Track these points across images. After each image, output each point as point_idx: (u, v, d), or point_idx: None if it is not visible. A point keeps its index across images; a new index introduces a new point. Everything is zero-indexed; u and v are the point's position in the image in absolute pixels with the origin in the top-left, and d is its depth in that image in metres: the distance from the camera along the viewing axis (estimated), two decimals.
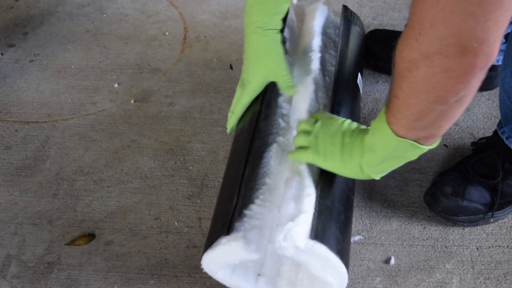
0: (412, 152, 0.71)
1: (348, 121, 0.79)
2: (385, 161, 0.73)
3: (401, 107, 0.65)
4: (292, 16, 1.08)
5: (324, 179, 0.80)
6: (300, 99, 0.89)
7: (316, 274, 0.76)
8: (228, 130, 0.94)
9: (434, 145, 0.70)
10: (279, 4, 0.84)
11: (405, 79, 0.61)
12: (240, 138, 0.89)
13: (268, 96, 0.90)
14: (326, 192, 0.78)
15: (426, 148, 0.70)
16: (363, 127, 0.77)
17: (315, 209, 0.75)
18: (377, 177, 0.77)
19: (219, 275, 0.82)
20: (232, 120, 0.92)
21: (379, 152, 0.72)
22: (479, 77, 0.58)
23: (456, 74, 0.56)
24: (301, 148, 0.80)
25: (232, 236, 0.73)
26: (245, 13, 0.85)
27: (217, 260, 0.77)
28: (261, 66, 0.86)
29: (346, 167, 0.76)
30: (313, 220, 0.74)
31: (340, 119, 0.79)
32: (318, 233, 0.73)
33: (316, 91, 0.91)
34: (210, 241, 0.77)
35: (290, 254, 0.74)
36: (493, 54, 0.55)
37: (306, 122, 0.81)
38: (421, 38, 0.55)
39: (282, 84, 0.88)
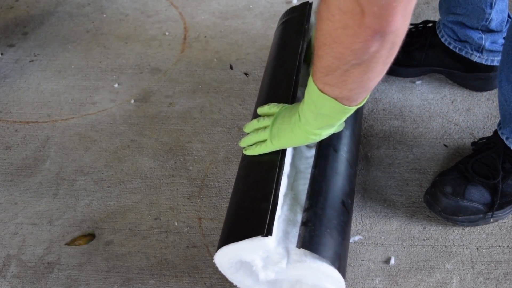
0: (336, 110, 0.70)
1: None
2: (318, 118, 0.73)
3: (315, 58, 0.66)
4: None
5: (314, 188, 0.80)
6: None
7: (312, 282, 0.76)
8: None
9: (355, 107, 0.70)
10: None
11: (317, 32, 0.62)
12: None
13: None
14: (315, 200, 0.78)
15: (347, 108, 0.69)
16: None
17: (302, 219, 0.76)
18: (322, 134, 0.77)
19: (228, 270, 0.81)
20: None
21: (310, 106, 0.72)
22: (381, 45, 0.58)
23: (353, 32, 0.57)
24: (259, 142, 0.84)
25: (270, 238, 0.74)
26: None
27: (235, 253, 0.77)
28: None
29: (294, 134, 0.78)
30: (300, 229, 0.75)
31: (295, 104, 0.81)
32: (305, 241, 0.73)
33: None
34: (237, 234, 0.76)
35: (272, 278, 0.78)
36: (387, 19, 0.55)
37: (267, 108, 0.86)
38: None
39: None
